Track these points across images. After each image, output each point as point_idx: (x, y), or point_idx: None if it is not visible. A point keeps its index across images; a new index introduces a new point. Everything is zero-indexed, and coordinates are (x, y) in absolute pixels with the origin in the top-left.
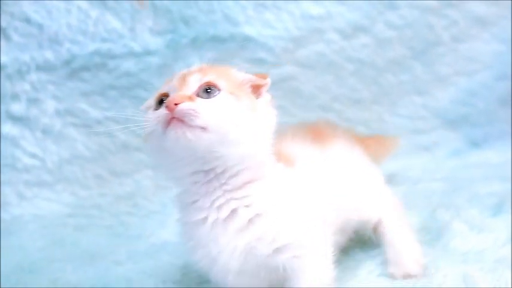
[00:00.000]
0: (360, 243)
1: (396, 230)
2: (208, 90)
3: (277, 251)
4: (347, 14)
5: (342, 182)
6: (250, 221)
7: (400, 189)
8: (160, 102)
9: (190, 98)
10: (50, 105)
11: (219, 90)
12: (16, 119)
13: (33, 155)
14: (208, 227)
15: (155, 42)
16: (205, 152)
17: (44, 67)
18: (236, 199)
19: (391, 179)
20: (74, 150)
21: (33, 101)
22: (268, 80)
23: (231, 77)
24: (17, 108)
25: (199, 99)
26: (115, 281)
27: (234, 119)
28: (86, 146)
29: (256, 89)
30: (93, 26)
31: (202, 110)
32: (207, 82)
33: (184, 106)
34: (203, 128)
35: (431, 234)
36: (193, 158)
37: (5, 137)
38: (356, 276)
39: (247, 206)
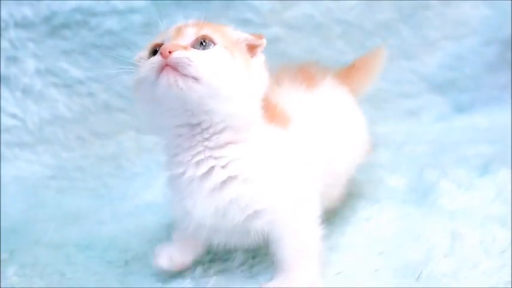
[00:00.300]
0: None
1: None
2: (204, 43)
3: (250, 217)
4: None
5: (337, 131)
6: (223, 182)
7: (386, 151)
8: (154, 52)
9: (185, 48)
10: (30, 64)
11: (214, 44)
12: None
13: (13, 115)
14: (185, 181)
15: (139, 1)
16: (195, 104)
17: (23, 24)
18: (215, 158)
19: (377, 142)
20: (55, 111)
21: (12, 60)
22: (264, 41)
23: (227, 34)
24: None
25: (194, 49)
26: (99, 239)
27: (228, 74)
28: (67, 106)
29: (251, 48)
30: None
31: (196, 60)
32: (203, 35)
33: (178, 54)
34: (196, 79)
35: (418, 193)
36: (182, 110)
37: None
38: (344, 235)
39: (223, 167)
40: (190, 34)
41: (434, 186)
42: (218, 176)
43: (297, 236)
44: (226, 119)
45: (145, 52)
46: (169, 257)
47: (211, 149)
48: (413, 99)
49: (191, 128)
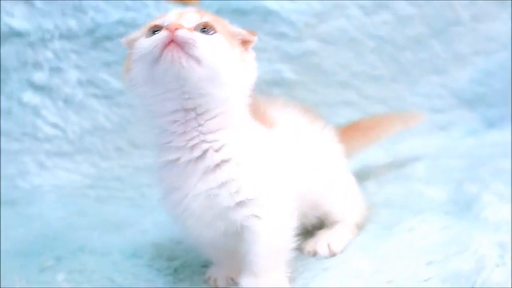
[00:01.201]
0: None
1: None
2: (205, 30)
3: (238, 205)
4: None
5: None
6: (217, 165)
7: (421, 164)
8: (153, 33)
9: (189, 30)
10: (72, 74)
11: (215, 31)
12: (38, 88)
13: (54, 125)
14: (181, 166)
15: None
16: (193, 86)
17: (67, 35)
18: (208, 142)
19: (410, 156)
20: (94, 121)
21: (55, 70)
22: (256, 38)
23: (225, 25)
24: (39, 76)
25: (198, 33)
26: (144, 248)
27: (227, 61)
28: (107, 117)
29: (244, 44)
30: None
31: (201, 42)
32: (205, 22)
33: (185, 33)
34: (198, 61)
35: (460, 205)
36: (179, 92)
37: (26, 105)
38: (389, 245)
39: (216, 151)
40: (192, 19)
41: (475, 198)
42: (212, 159)
43: (274, 238)
44: (220, 104)
45: (139, 34)
46: (227, 278)
47: (204, 133)
48: (443, 113)
49: (185, 113)
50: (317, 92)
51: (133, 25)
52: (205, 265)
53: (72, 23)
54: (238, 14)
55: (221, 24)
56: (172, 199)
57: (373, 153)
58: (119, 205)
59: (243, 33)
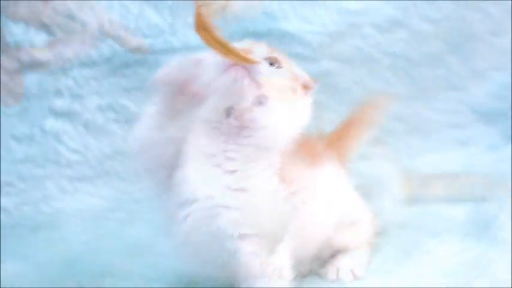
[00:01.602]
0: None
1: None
2: (273, 64)
3: (240, 237)
4: (383, 8)
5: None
6: (235, 190)
7: (440, 182)
8: None
9: (259, 59)
10: (92, 100)
11: (281, 67)
12: (59, 115)
13: (75, 151)
14: (205, 165)
15: (195, 38)
16: (245, 106)
17: (87, 63)
18: (238, 162)
19: (428, 173)
20: (114, 145)
21: (75, 97)
22: (316, 86)
23: (291, 66)
24: (60, 104)
25: (266, 63)
26: (164, 272)
27: (286, 96)
28: (126, 141)
29: (303, 88)
30: (135, 22)
31: (266, 71)
32: (274, 56)
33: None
34: (259, 86)
35: (478, 226)
36: (229, 107)
37: (48, 132)
38: (407, 268)
39: (243, 176)
40: (263, 51)
41: (493, 218)
42: (233, 183)
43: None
44: (262, 135)
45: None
46: None
47: (244, 156)
48: (462, 129)
49: (229, 127)
50: (334, 111)
51: (150, 51)
52: None
53: (91, 51)
54: (254, 36)
55: (288, 63)
56: (182, 193)
57: (388, 169)
58: (140, 228)
59: (306, 77)
